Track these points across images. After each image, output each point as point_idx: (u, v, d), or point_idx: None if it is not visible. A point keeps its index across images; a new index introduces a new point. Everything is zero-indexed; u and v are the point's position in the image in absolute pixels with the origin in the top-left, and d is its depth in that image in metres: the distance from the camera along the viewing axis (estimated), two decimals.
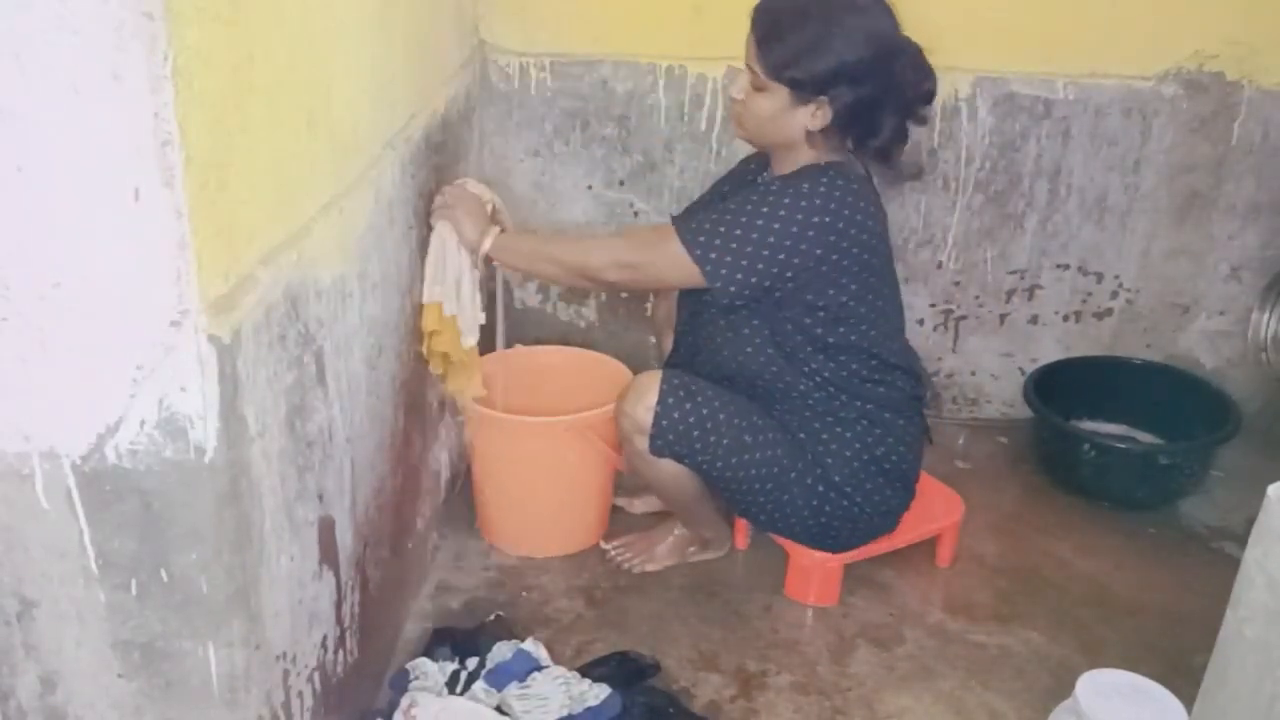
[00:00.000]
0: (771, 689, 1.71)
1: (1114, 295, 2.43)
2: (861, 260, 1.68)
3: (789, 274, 1.65)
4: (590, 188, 2.36)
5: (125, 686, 1.06)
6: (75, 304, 0.90)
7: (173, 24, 0.84)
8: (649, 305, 2.44)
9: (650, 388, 1.73)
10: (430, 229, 1.76)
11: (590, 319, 2.49)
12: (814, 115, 1.65)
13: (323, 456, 1.27)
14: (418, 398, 1.75)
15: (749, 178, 1.88)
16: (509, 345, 2.08)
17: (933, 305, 2.43)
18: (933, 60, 2.24)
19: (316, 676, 1.29)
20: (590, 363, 2.11)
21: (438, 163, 1.83)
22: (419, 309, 1.80)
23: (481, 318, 1.85)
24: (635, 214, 2.37)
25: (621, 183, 2.35)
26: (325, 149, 1.24)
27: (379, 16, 1.46)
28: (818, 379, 1.75)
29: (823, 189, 1.63)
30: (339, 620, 1.37)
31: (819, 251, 1.64)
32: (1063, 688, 1.43)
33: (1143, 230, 2.36)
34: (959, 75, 2.23)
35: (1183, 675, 1.43)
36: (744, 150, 2.30)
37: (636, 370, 2.06)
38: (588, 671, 1.64)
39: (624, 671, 1.65)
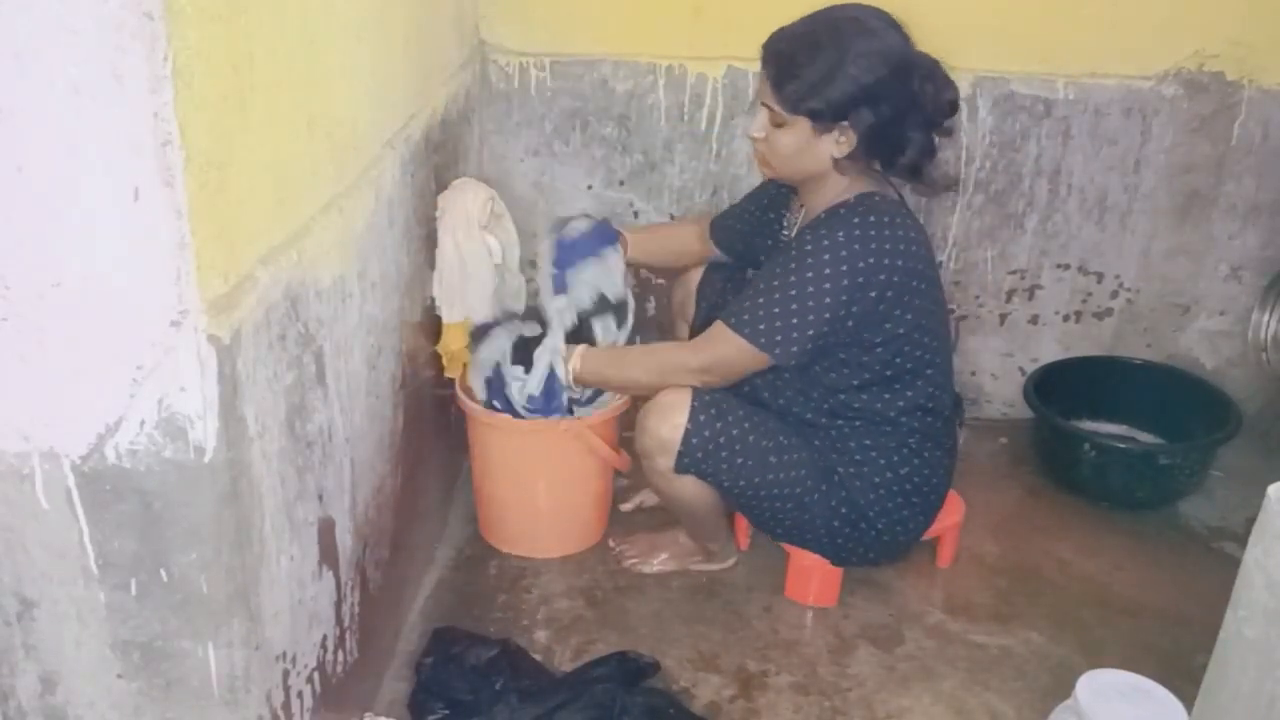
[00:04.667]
0: (771, 689, 1.71)
1: (1114, 295, 2.43)
2: (912, 288, 1.65)
3: (849, 322, 1.64)
4: (590, 188, 2.36)
5: (125, 686, 1.06)
6: (75, 304, 0.90)
7: (173, 24, 0.84)
8: (650, 306, 2.45)
9: (679, 406, 1.69)
10: (435, 237, 1.77)
11: None
12: (838, 143, 1.63)
13: (322, 456, 1.27)
14: (417, 397, 1.75)
15: (781, 201, 1.88)
16: None
17: None
18: None
19: (316, 676, 1.29)
20: None
21: (438, 163, 1.83)
22: (438, 326, 1.82)
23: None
24: (635, 214, 2.37)
25: (621, 183, 2.35)
26: (325, 149, 1.24)
27: (379, 16, 1.46)
28: (865, 413, 1.74)
29: (857, 232, 1.60)
30: (339, 620, 1.37)
31: (872, 294, 1.62)
32: (1063, 688, 1.43)
33: (1143, 230, 2.37)
34: (959, 75, 2.21)
35: (1183, 675, 1.43)
36: (743, 149, 2.31)
37: None
38: (587, 671, 1.64)
39: (624, 671, 1.65)
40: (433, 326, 1.84)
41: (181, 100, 0.86)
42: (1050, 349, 2.47)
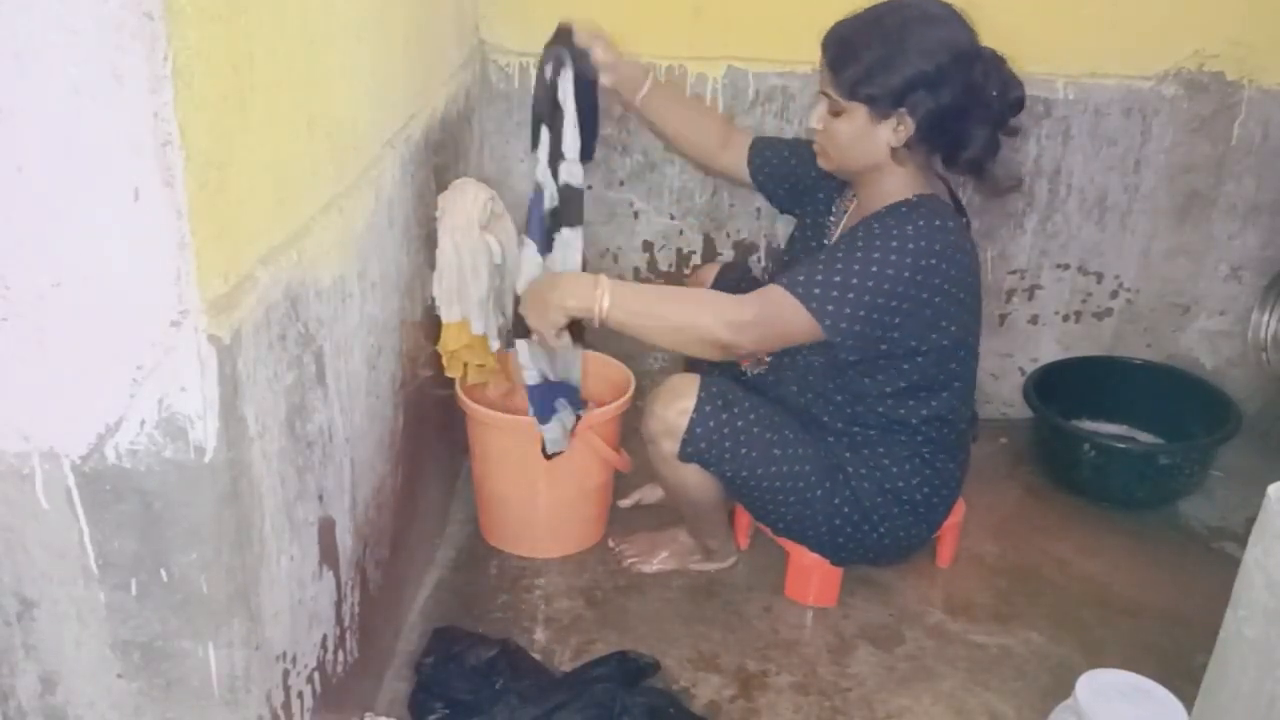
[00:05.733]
0: (771, 689, 1.71)
1: (1114, 295, 2.43)
2: (960, 300, 1.64)
3: (898, 319, 1.60)
4: (590, 188, 2.36)
5: (125, 686, 1.06)
6: (75, 304, 0.90)
7: (173, 24, 0.84)
8: None
9: (687, 392, 1.70)
10: (435, 236, 1.77)
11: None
12: (896, 130, 1.59)
13: (323, 456, 1.27)
14: (417, 397, 1.75)
15: (836, 182, 1.81)
16: (509, 345, 2.08)
17: None
18: None
19: (316, 676, 1.29)
20: (590, 363, 2.10)
21: (438, 163, 1.83)
22: (438, 326, 1.81)
23: (500, 319, 1.87)
24: (635, 214, 2.37)
25: (621, 183, 2.35)
26: (325, 149, 1.24)
27: (379, 16, 1.46)
28: (885, 419, 1.73)
29: (925, 229, 1.58)
30: (339, 620, 1.37)
31: (924, 295, 1.59)
32: (1063, 688, 1.43)
33: (1143, 230, 2.37)
34: None
35: (1183, 675, 1.43)
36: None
37: (636, 371, 2.06)
38: (587, 671, 1.64)
39: (624, 671, 1.65)
40: (433, 326, 1.84)
41: (181, 100, 0.86)
42: (1050, 349, 2.47)
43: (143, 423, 0.95)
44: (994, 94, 1.61)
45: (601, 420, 1.91)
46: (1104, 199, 2.34)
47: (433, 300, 1.82)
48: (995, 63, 1.63)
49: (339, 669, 1.38)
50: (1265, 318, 2.39)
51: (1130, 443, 2.32)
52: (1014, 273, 2.41)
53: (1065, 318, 2.45)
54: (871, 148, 1.62)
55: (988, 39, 2.20)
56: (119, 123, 0.84)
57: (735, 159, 1.97)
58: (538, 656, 1.72)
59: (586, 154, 1.77)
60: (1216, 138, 2.28)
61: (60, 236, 0.88)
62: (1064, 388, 2.34)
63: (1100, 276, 2.41)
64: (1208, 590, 1.61)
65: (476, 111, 2.22)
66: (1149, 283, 2.41)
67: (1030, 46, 2.21)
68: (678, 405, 1.69)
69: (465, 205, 1.80)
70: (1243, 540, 1.14)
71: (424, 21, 1.74)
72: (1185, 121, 2.27)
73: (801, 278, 1.59)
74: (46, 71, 0.83)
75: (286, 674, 1.19)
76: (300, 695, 1.24)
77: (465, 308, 1.81)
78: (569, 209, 1.75)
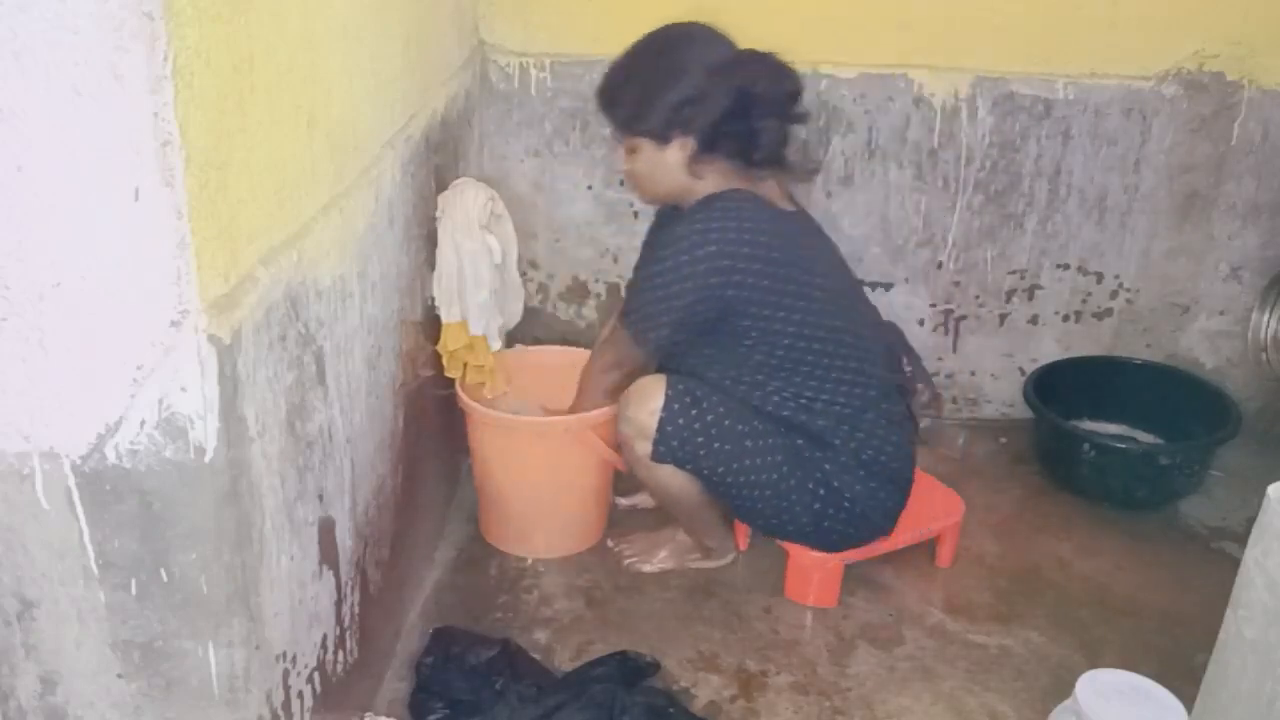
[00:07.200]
0: (771, 689, 1.71)
1: (1114, 295, 2.43)
2: (769, 274, 1.67)
3: (700, 307, 1.68)
4: (590, 188, 2.36)
5: (125, 686, 1.06)
6: (75, 304, 0.90)
7: (173, 24, 0.84)
8: None
9: (655, 393, 1.72)
10: (435, 237, 1.77)
11: (590, 319, 2.49)
12: (680, 149, 1.70)
13: (323, 456, 1.27)
14: (417, 397, 1.75)
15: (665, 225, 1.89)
16: (509, 345, 2.08)
17: (933, 305, 2.44)
18: (933, 60, 2.25)
19: (316, 676, 1.29)
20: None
21: (438, 163, 1.83)
22: (438, 326, 1.82)
23: (500, 319, 1.87)
24: (635, 214, 2.37)
25: (621, 182, 2.35)
26: (325, 149, 1.24)
27: (378, 16, 1.46)
28: (785, 395, 1.75)
29: (699, 224, 1.66)
30: (339, 620, 1.37)
31: (714, 280, 1.66)
32: (1063, 688, 1.43)
33: (1143, 230, 2.37)
34: (959, 75, 2.23)
35: (1183, 675, 1.43)
36: None
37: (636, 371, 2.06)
38: (587, 671, 1.64)
39: (624, 671, 1.65)
40: (433, 326, 1.84)
41: (181, 100, 0.86)
42: (1050, 349, 2.47)
43: (143, 423, 0.95)
44: (766, 91, 1.69)
45: (602, 420, 1.91)
46: (1104, 199, 2.34)
47: (433, 300, 1.82)
48: (759, 62, 1.70)
49: (339, 669, 1.39)
50: (1265, 318, 2.39)
51: (1130, 443, 2.32)
52: (1014, 273, 2.41)
53: (1065, 318, 2.45)
54: (668, 171, 1.73)
55: (989, 39, 2.20)
56: (119, 123, 0.84)
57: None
58: (538, 656, 1.72)
59: None
60: (1216, 138, 2.28)
61: (60, 236, 0.88)
62: (1064, 388, 2.34)
63: (1100, 276, 2.41)
64: (1208, 590, 1.62)
65: (476, 111, 2.22)
66: (1149, 283, 2.41)
67: (1030, 46, 2.22)
68: (647, 406, 1.72)
69: (465, 205, 1.80)
70: (1243, 540, 1.14)
71: (424, 21, 1.74)
72: (1185, 121, 2.27)
73: (626, 309, 1.79)
74: (46, 71, 0.83)
75: (286, 674, 1.19)
76: (300, 695, 1.24)
77: (465, 308, 1.82)
78: None
